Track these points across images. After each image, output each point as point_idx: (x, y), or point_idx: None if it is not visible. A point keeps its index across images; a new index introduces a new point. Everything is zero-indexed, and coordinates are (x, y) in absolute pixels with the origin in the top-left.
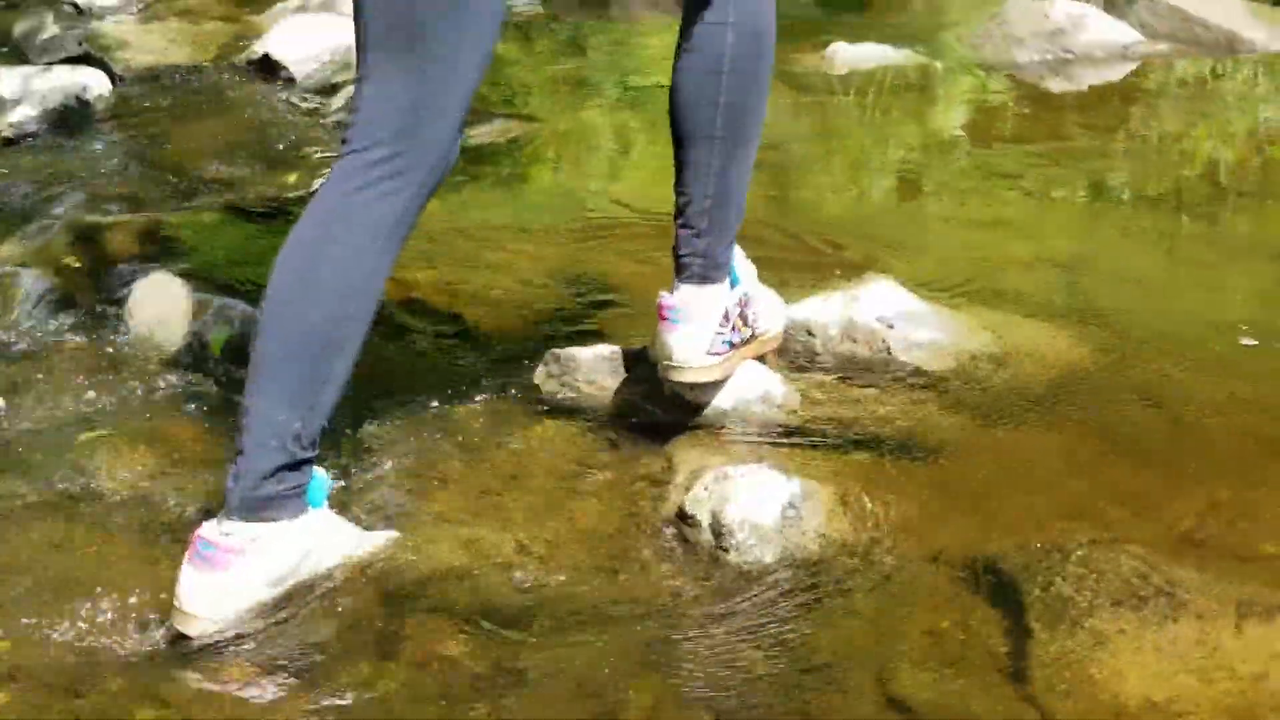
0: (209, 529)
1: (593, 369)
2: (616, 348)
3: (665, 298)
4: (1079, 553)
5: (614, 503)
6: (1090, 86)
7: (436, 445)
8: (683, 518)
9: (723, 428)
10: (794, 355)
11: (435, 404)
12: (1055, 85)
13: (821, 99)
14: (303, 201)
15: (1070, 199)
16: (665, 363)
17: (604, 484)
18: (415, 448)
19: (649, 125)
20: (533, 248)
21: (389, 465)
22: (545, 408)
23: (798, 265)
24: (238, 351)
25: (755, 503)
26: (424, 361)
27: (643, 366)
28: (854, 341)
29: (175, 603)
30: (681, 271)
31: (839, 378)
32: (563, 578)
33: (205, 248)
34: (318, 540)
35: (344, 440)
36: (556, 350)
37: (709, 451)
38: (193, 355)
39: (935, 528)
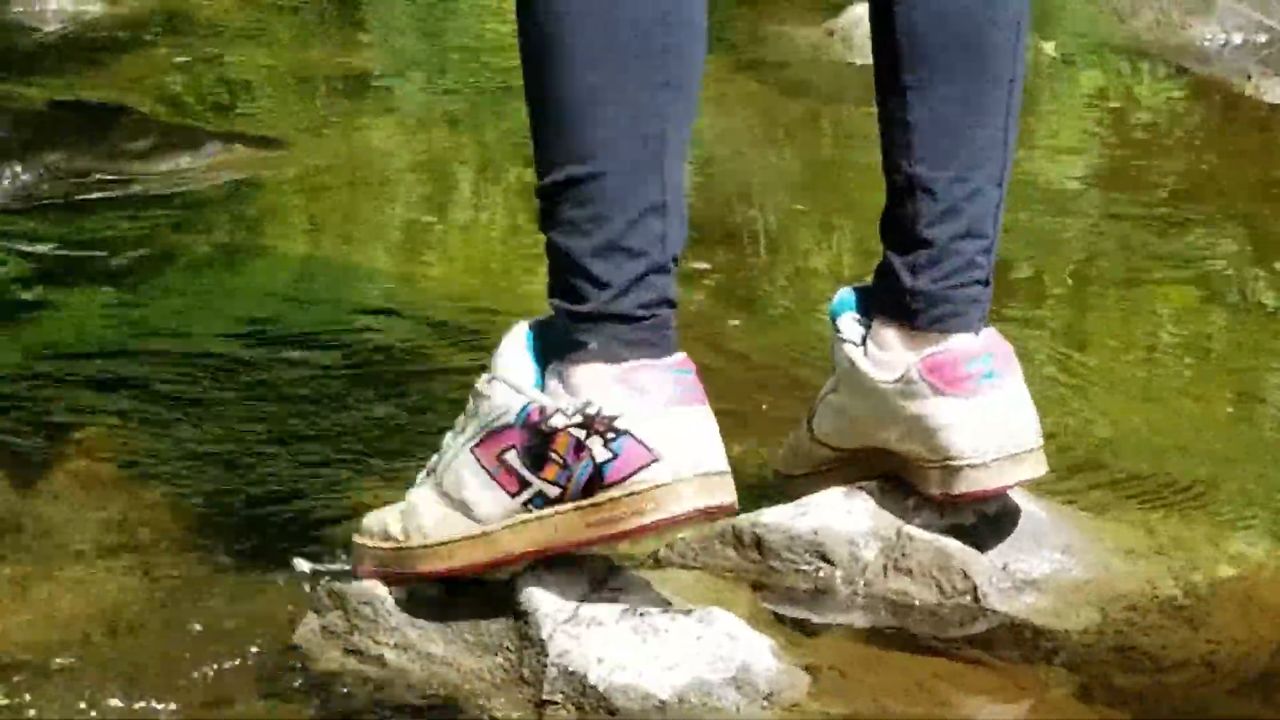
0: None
1: (407, 621)
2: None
3: (953, 349)
4: None
5: None
6: None
7: None
8: None
9: None
10: (797, 599)
11: (133, 702)
12: (1269, 90)
13: (821, 107)
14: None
15: None
16: (987, 458)
17: None
18: None
19: (483, 154)
20: (272, 390)
21: None
22: (317, 698)
23: (780, 423)
24: None
25: None
26: (89, 610)
27: (501, 620)
28: (908, 575)
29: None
30: (953, 321)
31: (879, 644)
32: None
33: None
34: None
35: None
36: (337, 586)
37: None
38: None
39: None
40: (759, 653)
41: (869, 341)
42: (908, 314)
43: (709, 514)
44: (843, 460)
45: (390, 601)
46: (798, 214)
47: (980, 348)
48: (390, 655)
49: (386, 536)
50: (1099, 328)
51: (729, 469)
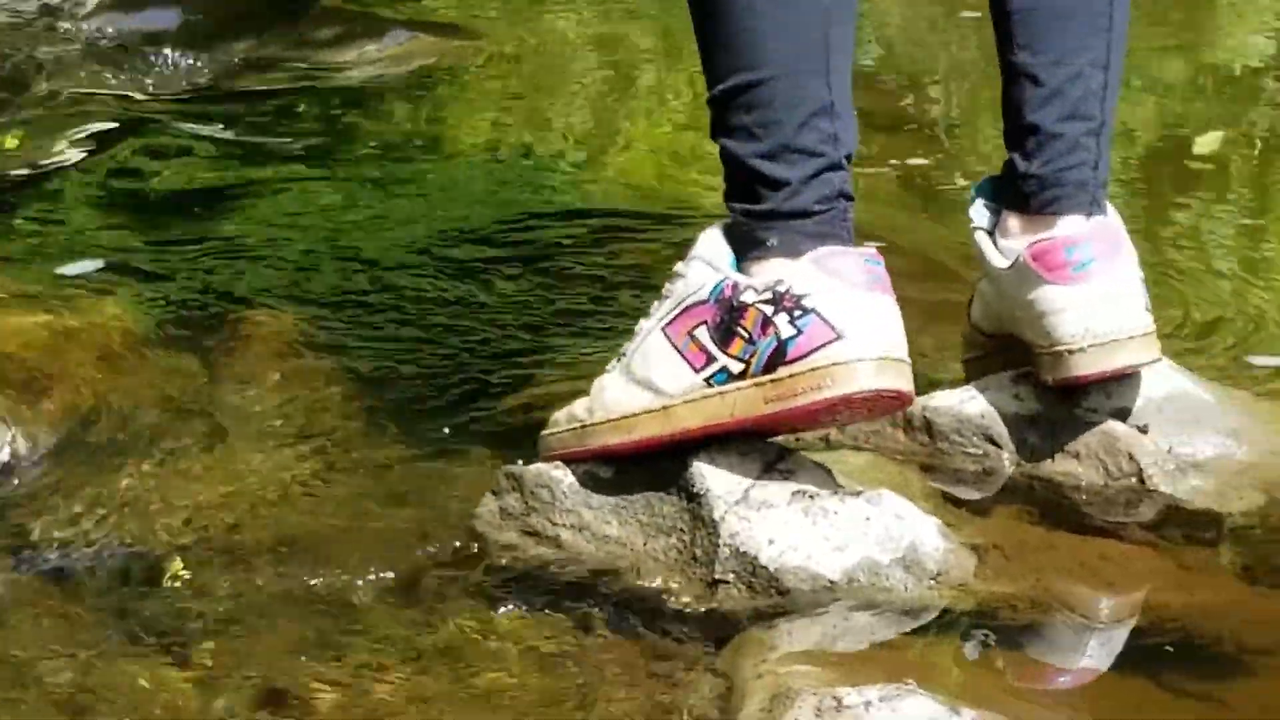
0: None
1: (582, 502)
2: (629, 464)
3: (1057, 235)
4: None
5: None
6: None
7: (302, 652)
8: None
9: (828, 616)
10: (965, 480)
11: (297, 572)
12: None
13: None
14: (34, 183)
15: None
16: (1083, 343)
17: None
18: (266, 660)
19: (667, 41)
20: (462, 283)
21: (223, 694)
22: (496, 575)
23: (953, 311)
24: None
25: None
26: (278, 492)
27: (674, 501)
28: (1075, 458)
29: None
30: (1062, 202)
31: (1046, 524)
32: None
33: None
34: None
35: (139, 650)
36: (515, 468)
37: (804, 660)
38: None
39: None
40: (927, 533)
41: (997, 229)
42: (1023, 198)
43: (884, 397)
44: (992, 347)
45: (566, 484)
46: (981, 103)
47: (1084, 234)
48: (566, 536)
49: (571, 419)
50: (1274, 210)
51: (909, 359)
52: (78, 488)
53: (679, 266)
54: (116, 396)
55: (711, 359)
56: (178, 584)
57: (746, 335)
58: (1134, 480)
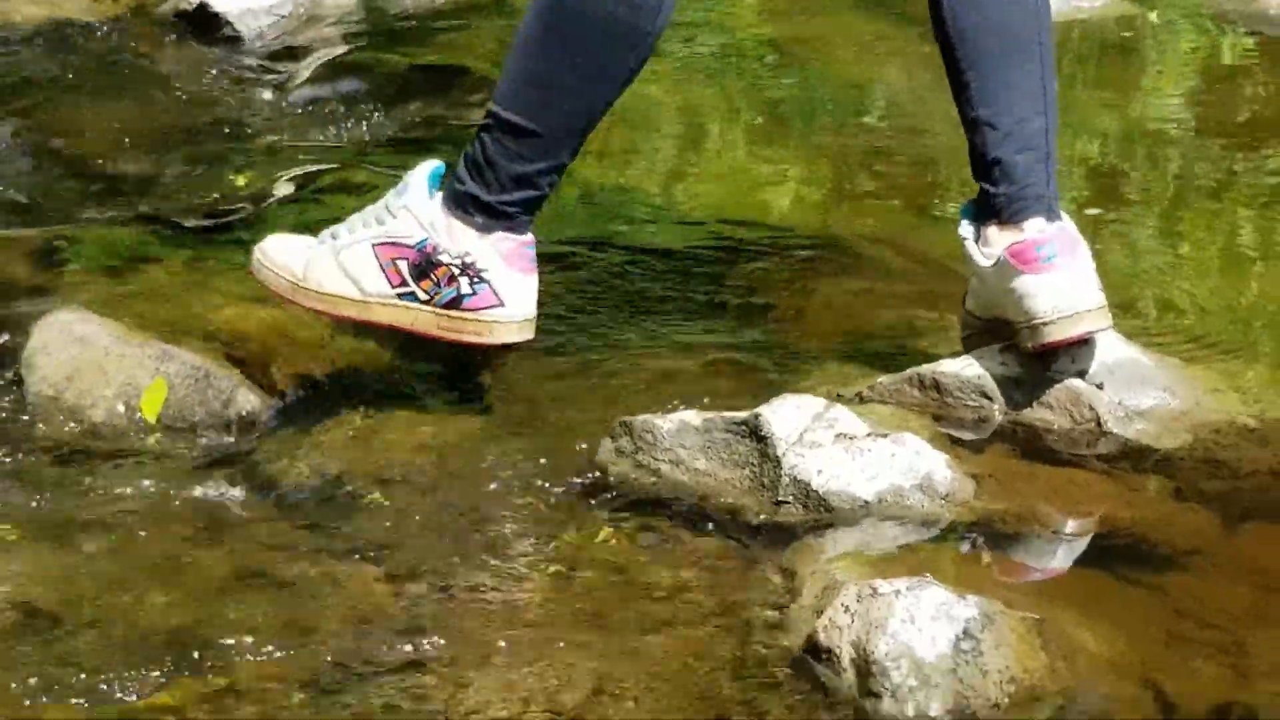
0: None
1: (678, 443)
2: (712, 415)
3: (1027, 238)
4: None
5: (715, 634)
6: None
7: (469, 557)
8: (814, 652)
9: (865, 527)
10: (965, 426)
11: (464, 498)
12: None
13: None
14: (255, 211)
15: None
16: (1054, 317)
17: (699, 608)
18: (441, 563)
19: (728, 102)
20: (573, 283)
21: (407, 589)
22: (613, 499)
23: (952, 299)
24: (180, 417)
25: (916, 631)
26: (449, 438)
27: (747, 443)
28: (1049, 408)
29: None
30: (1026, 211)
31: (1027, 458)
32: None
33: (125, 275)
34: None
35: (343, 556)
36: (628, 418)
37: (847, 560)
38: (117, 423)
39: (1167, 668)
40: (938, 465)
41: (979, 238)
42: (997, 212)
43: (521, 345)
44: (983, 327)
45: (665, 429)
46: (962, 143)
47: (1048, 236)
48: (666, 469)
49: (288, 270)
50: (1191, 224)
51: (536, 316)
52: (296, 436)
53: (393, 204)
54: (322, 370)
55: (405, 283)
56: (374, 507)
57: (435, 281)
58: (1093, 425)
